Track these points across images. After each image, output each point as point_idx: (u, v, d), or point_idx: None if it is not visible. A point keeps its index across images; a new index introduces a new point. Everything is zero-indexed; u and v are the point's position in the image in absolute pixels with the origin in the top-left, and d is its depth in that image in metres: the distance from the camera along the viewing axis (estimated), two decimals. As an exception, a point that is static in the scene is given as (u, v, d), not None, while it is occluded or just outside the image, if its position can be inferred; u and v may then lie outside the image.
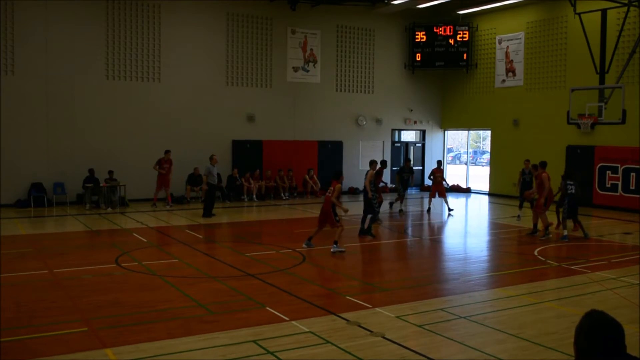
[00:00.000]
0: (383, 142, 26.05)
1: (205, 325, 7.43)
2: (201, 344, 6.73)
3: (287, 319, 7.64)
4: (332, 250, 12.18)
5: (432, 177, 19.35)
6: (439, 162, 20.04)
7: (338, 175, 12.98)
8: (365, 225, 14.60)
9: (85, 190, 19.14)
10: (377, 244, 14.04)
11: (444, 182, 19.40)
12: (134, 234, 14.35)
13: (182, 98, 21.48)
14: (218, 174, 20.46)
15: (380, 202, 16.20)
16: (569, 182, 14.35)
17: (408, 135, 27.48)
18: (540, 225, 14.63)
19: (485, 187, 25.60)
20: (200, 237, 14.44)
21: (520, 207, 17.95)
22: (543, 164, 14.88)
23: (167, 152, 19.97)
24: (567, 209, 14.21)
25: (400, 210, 18.94)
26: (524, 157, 20.88)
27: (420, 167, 26.96)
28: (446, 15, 25.15)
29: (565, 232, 14.18)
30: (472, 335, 7.20)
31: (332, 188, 12.69)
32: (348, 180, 24.81)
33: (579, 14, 20.01)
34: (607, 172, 20.17)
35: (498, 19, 24.38)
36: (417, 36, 25.55)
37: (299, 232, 15.53)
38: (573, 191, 14.21)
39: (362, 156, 25.32)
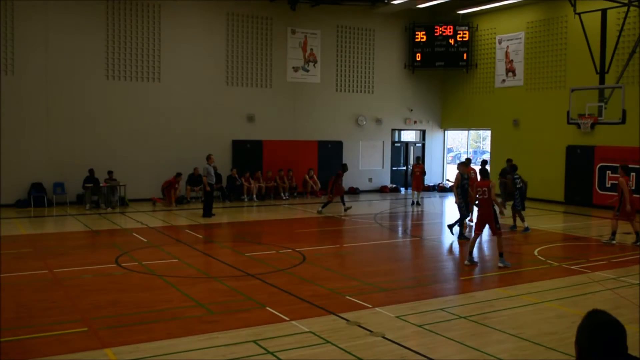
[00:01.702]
0: (383, 142, 26.04)
1: (205, 325, 7.42)
2: (201, 344, 6.73)
3: (287, 319, 7.64)
4: (499, 264, 11.02)
5: (412, 172, 21.53)
6: (418, 159, 22.26)
7: (486, 174, 11.61)
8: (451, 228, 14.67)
9: (85, 190, 19.13)
10: (378, 244, 14.04)
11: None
12: (134, 234, 14.34)
13: (182, 98, 21.46)
14: (219, 174, 20.51)
15: (330, 202, 18.24)
16: (516, 176, 15.54)
17: (408, 135, 27.46)
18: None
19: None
20: (200, 237, 14.44)
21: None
22: (625, 168, 13.64)
23: (178, 175, 20.14)
24: (519, 202, 15.28)
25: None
26: (524, 157, 20.89)
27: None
28: (446, 15, 25.13)
29: (526, 224, 15.05)
30: (472, 335, 7.19)
31: (484, 188, 11.21)
32: (348, 180, 24.81)
33: (579, 14, 20.00)
34: (607, 172, 20.15)
35: (498, 19, 24.36)
36: (417, 36, 25.54)
37: (299, 232, 15.56)
38: (521, 185, 15.45)
39: (362, 156, 25.34)
